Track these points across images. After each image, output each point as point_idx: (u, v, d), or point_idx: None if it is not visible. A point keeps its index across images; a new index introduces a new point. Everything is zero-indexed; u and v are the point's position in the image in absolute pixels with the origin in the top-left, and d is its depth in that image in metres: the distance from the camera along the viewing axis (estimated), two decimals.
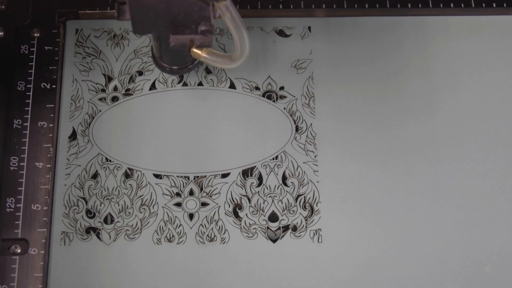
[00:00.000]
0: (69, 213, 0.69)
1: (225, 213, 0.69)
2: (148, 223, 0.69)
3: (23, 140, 0.70)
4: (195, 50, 0.67)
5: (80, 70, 0.74)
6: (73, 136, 0.72)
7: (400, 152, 0.71)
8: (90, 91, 0.74)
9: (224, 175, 0.71)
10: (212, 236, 0.68)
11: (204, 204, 0.70)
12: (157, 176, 0.70)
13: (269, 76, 0.74)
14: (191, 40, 0.61)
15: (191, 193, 0.70)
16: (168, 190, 0.70)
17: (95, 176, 0.70)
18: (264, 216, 0.69)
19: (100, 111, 0.73)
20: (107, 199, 0.70)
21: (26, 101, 0.72)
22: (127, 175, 0.71)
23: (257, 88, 0.74)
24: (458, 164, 0.71)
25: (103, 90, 0.74)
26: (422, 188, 0.70)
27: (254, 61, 0.75)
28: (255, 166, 0.71)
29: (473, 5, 0.76)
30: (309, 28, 0.76)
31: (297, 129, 0.72)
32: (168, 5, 0.58)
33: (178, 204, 0.70)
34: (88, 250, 0.68)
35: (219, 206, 0.70)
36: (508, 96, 0.73)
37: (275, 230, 0.69)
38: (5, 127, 0.71)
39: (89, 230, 0.69)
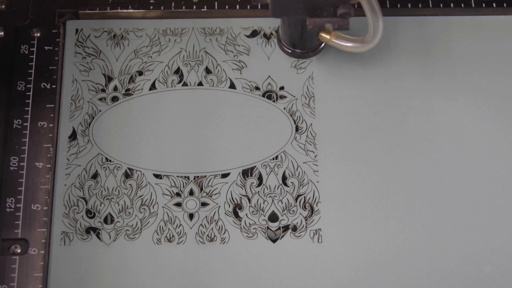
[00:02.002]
0: (69, 213, 0.69)
1: (225, 213, 0.69)
2: (148, 223, 0.69)
3: (23, 140, 0.70)
4: (323, 34, 0.69)
5: (80, 70, 0.74)
6: (73, 136, 0.72)
7: (400, 152, 0.71)
8: (90, 91, 0.74)
9: (224, 175, 0.71)
10: (212, 236, 0.68)
11: (204, 204, 0.70)
12: (157, 176, 0.70)
13: (269, 76, 0.74)
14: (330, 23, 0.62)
15: (191, 193, 0.70)
16: (168, 190, 0.70)
17: (95, 176, 0.70)
18: (264, 216, 0.69)
19: (100, 111, 0.73)
20: (107, 199, 0.70)
21: (26, 101, 0.72)
22: (127, 175, 0.71)
23: (257, 88, 0.74)
24: (458, 164, 0.71)
25: (103, 90, 0.74)
26: (422, 188, 0.70)
27: (254, 61, 0.75)
28: (255, 166, 0.71)
29: (473, 5, 0.76)
30: None
31: (297, 129, 0.72)
32: None
33: (178, 204, 0.70)
34: (88, 250, 0.68)
35: (219, 206, 0.70)
36: (508, 96, 0.73)
37: (275, 230, 0.69)
38: (5, 127, 0.71)
39: (89, 230, 0.69)
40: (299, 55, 0.74)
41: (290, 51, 0.74)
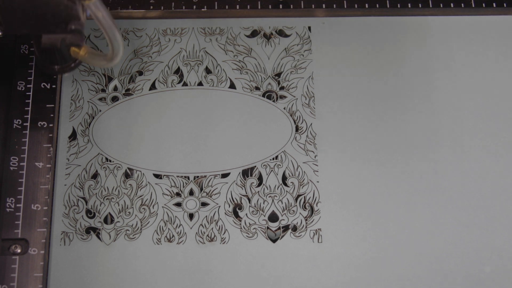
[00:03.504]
0: (69, 213, 0.69)
1: (225, 213, 0.69)
2: (148, 223, 0.69)
3: (23, 140, 0.70)
4: (74, 49, 0.68)
5: (80, 70, 0.74)
6: (73, 136, 0.72)
7: (400, 152, 0.71)
8: (90, 91, 0.74)
9: (224, 175, 0.71)
10: (212, 236, 0.68)
11: (204, 204, 0.70)
12: (157, 176, 0.70)
13: (269, 76, 0.74)
14: (63, 39, 0.61)
15: (191, 193, 0.70)
16: (168, 190, 0.70)
17: (95, 176, 0.70)
18: (264, 216, 0.69)
19: (100, 111, 0.73)
20: (107, 199, 0.70)
21: (26, 101, 0.72)
22: (127, 175, 0.71)
23: (257, 88, 0.74)
24: (458, 164, 0.71)
25: (103, 90, 0.74)
26: (422, 188, 0.70)
27: (254, 61, 0.75)
28: (255, 166, 0.71)
29: (473, 5, 0.76)
30: (309, 28, 0.76)
31: (297, 129, 0.72)
32: (33, 4, 0.57)
33: (178, 204, 0.70)
34: (88, 250, 0.68)
35: (219, 206, 0.70)
36: (508, 96, 0.73)
37: (275, 230, 0.69)
38: (5, 127, 0.71)
39: (89, 230, 0.69)
40: (59, 70, 0.71)
41: (48, 68, 0.71)
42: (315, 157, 0.71)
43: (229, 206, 0.70)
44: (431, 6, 0.76)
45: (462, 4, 0.76)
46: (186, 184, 0.70)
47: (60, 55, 0.68)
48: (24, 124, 0.71)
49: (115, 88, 0.74)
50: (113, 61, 0.65)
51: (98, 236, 0.68)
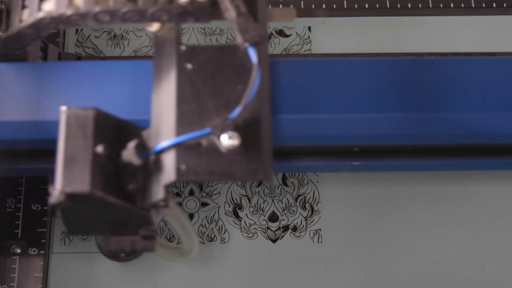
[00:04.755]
0: None
1: (225, 213, 0.69)
2: None
3: None
4: None
5: None
6: None
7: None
8: None
9: None
10: (212, 236, 0.68)
11: (204, 204, 0.70)
12: None
13: None
14: (133, 243, 0.57)
15: (191, 193, 0.70)
16: None
17: None
18: (264, 216, 0.69)
19: None
20: None
21: None
22: None
23: None
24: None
25: None
26: (422, 187, 0.70)
27: None
28: None
29: (473, 5, 0.76)
30: (309, 28, 0.76)
31: None
32: (104, 211, 0.53)
33: (178, 204, 0.70)
34: (88, 250, 0.68)
35: (219, 206, 0.70)
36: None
37: (275, 230, 0.69)
38: None
39: None
40: (124, 258, 0.65)
41: (113, 256, 0.65)
42: None
43: (229, 206, 0.70)
44: (431, 6, 0.76)
45: (462, 4, 0.76)
46: (186, 184, 0.70)
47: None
48: None
49: None
50: (187, 258, 0.63)
51: None
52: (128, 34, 0.76)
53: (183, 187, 0.70)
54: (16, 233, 0.67)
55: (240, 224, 0.69)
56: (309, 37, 0.76)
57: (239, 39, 0.51)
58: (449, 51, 0.75)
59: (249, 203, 0.70)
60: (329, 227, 0.69)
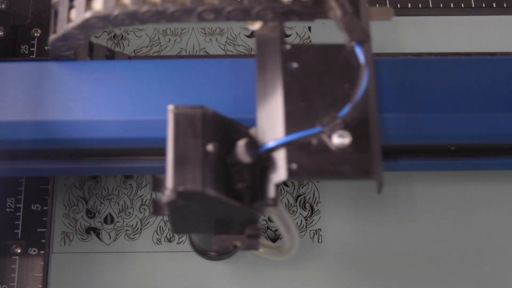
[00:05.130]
0: (69, 213, 0.69)
1: None
2: (148, 223, 0.69)
3: None
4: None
5: None
6: None
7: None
8: None
9: None
10: None
11: None
12: None
13: None
14: (237, 242, 0.55)
15: None
16: None
17: (95, 176, 0.70)
18: (264, 216, 0.69)
19: None
20: (107, 199, 0.70)
21: None
22: (127, 175, 0.70)
23: None
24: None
25: None
26: (422, 187, 0.70)
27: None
28: None
29: (473, 5, 0.76)
30: (309, 28, 0.76)
31: None
32: (213, 210, 0.52)
33: None
34: (88, 250, 0.68)
35: None
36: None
37: (275, 230, 0.69)
38: None
39: (89, 230, 0.69)
40: (214, 257, 0.67)
41: (203, 253, 0.67)
42: None
43: None
44: (431, 6, 0.76)
45: (462, 4, 0.76)
46: None
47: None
48: None
49: None
50: (287, 256, 0.63)
51: (98, 236, 0.68)
52: (128, 34, 0.76)
53: None
54: (16, 233, 0.67)
55: None
56: (309, 37, 0.76)
57: (344, 38, 0.51)
58: (449, 51, 0.75)
59: None
60: (329, 227, 0.69)
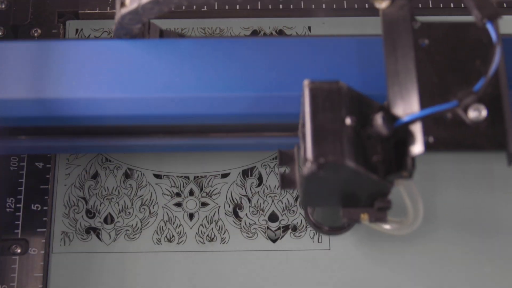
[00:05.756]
0: (69, 213, 0.69)
1: (225, 213, 0.69)
2: (148, 223, 0.69)
3: None
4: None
5: None
6: None
7: None
8: None
9: (224, 175, 0.71)
10: (212, 236, 0.68)
11: (204, 204, 0.70)
12: (157, 176, 0.70)
13: None
14: (370, 215, 0.58)
15: (191, 193, 0.70)
16: (168, 190, 0.70)
17: (95, 176, 0.70)
18: (264, 216, 0.69)
19: None
20: (107, 199, 0.70)
21: None
22: (127, 175, 0.71)
23: None
24: (458, 164, 0.71)
25: None
26: (422, 187, 0.70)
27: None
28: (255, 166, 0.71)
29: None
30: (309, 28, 0.76)
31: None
32: (347, 182, 0.54)
33: (178, 204, 0.70)
34: (88, 250, 0.68)
35: (219, 206, 0.70)
36: None
37: (275, 230, 0.69)
38: None
39: (89, 230, 0.69)
40: (327, 231, 0.68)
41: (317, 227, 0.68)
42: None
43: (229, 206, 0.70)
44: (431, 6, 0.76)
45: (462, 4, 0.76)
46: (186, 184, 0.70)
47: (337, 219, 0.66)
48: None
49: None
50: (409, 228, 0.63)
51: (98, 236, 0.68)
52: None
53: (183, 187, 0.70)
54: (16, 233, 0.67)
55: (240, 224, 0.69)
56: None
57: (475, 15, 0.52)
58: None
59: (249, 203, 0.70)
60: None
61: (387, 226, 0.63)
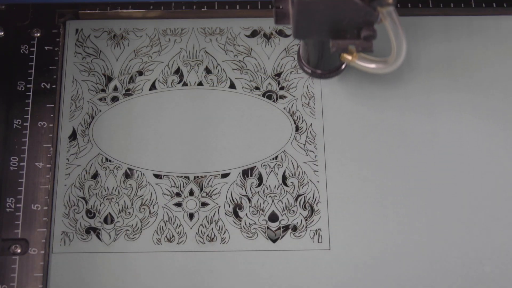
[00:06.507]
0: (69, 213, 0.69)
1: (225, 213, 0.69)
2: (148, 223, 0.69)
3: (23, 140, 0.70)
4: (345, 55, 0.67)
5: (80, 70, 0.74)
6: (73, 136, 0.72)
7: (400, 152, 0.71)
8: (90, 91, 0.74)
9: (224, 175, 0.71)
10: (212, 236, 0.68)
11: (204, 204, 0.70)
12: (157, 176, 0.70)
13: (269, 76, 0.74)
14: (354, 45, 0.61)
15: (191, 193, 0.70)
16: (168, 190, 0.70)
17: (95, 176, 0.70)
18: (264, 216, 0.69)
19: (100, 111, 0.73)
20: (107, 199, 0.70)
21: (26, 101, 0.72)
22: (127, 175, 0.71)
23: (257, 88, 0.74)
24: (458, 164, 0.71)
25: (103, 90, 0.74)
26: (422, 187, 0.70)
27: (254, 61, 0.75)
28: (255, 166, 0.71)
29: (473, 5, 0.76)
30: None
31: (297, 129, 0.72)
32: (335, 10, 0.57)
33: (178, 204, 0.70)
34: (88, 250, 0.68)
35: (219, 206, 0.70)
36: (508, 96, 0.73)
37: (275, 230, 0.69)
38: (5, 127, 0.71)
39: (89, 230, 0.69)
40: (320, 75, 0.72)
41: (310, 71, 0.72)
42: (315, 157, 0.71)
43: (229, 206, 0.70)
44: (431, 6, 0.76)
45: (462, 4, 0.76)
46: (186, 184, 0.70)
47: (327, 61, 0.69)
48: (24, 124, 0.71)
49: (115, 88, 0.74)
50: (394, 65, 0.65)
51: (98, 236, 0.68)
52: (128, 34, 0.76)
53: (183, 187, 0.70)
54: (16, 233, 0.67)
55: (240, 224, 0.69)
56: None
57: None
58: (449, 51, 0.75)
59: (249, 203, 0.70)
60: (329, 227, 0.69)
61: (372, 65, 0.66)
